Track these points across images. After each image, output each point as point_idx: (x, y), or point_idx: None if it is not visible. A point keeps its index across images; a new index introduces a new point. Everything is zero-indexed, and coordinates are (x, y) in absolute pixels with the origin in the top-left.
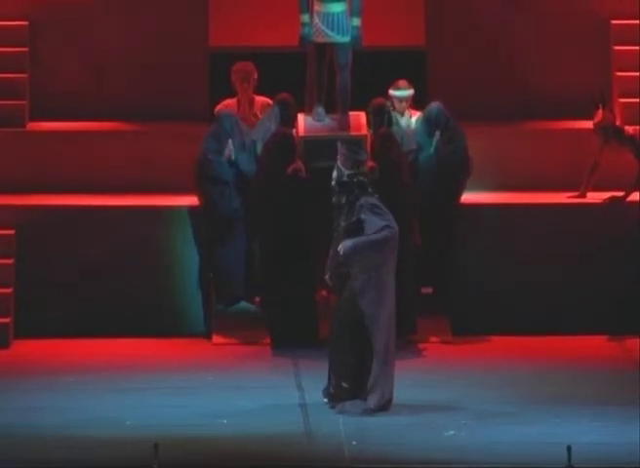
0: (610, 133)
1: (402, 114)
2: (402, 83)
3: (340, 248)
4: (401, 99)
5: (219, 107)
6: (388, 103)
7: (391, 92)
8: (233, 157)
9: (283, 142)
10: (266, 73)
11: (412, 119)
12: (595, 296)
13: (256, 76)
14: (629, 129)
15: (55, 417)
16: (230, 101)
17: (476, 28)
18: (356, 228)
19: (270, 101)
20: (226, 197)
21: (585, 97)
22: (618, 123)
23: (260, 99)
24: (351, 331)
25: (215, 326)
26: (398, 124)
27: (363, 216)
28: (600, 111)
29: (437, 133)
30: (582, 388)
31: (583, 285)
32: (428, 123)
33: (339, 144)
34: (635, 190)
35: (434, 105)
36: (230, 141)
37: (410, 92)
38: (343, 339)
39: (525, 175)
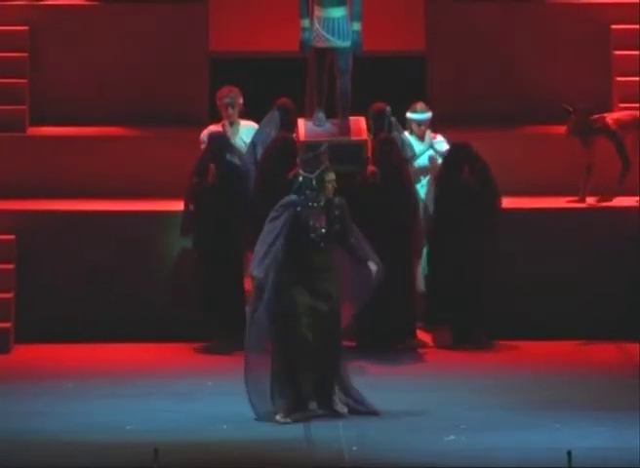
0: (585, 131)
1: (422, 139)
2: (419, 105)
3: (378, 269)
4: (419, 123)
5: (204, 132)
6: (388, 108)
7: (409, 115)
8: (216, 182)
9: (284, 147)
10: (266, 78)
11: (434, 141)
12: (595, 301)
13: (241, 101)
14: (610, 120)
15: (55, 422)
16: (215, 127)
17: (476, 33)
18: (341, 225)
19: (255, 125)
20: (202, 219)
21: (586, 101)
22: (611, 122)
23: (245, 124)
24: (338, 338)
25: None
26: (413, 150)
27: (348, 220)
28: (570, 116)
29: (466, 168)
30: (582, 393)
31: (583, 289)
32: (453, 160)
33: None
34: (621, 184)
35: (460, 144)
36: (213, 166)
37: (428, 114)
38: (338, 347)
39: (525, 179)
